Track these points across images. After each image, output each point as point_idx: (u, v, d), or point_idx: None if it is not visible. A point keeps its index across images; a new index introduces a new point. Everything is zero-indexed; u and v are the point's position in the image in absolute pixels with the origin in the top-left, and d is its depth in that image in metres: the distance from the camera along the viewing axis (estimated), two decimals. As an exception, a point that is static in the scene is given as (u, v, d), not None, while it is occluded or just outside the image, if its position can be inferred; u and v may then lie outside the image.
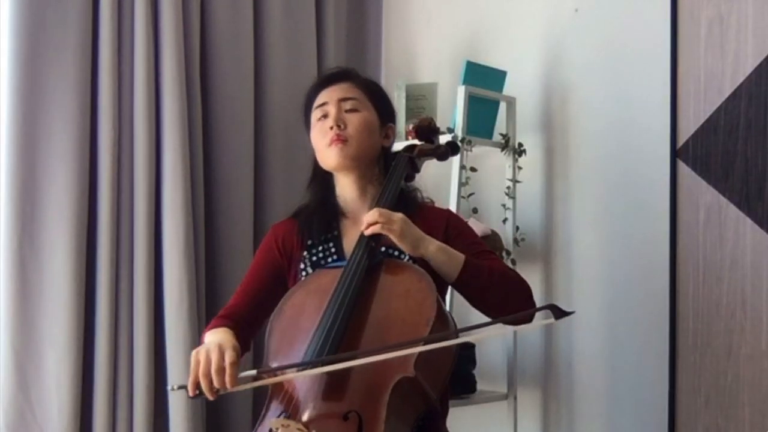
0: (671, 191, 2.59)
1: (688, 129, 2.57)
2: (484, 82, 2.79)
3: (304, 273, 1.98)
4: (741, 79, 2.46)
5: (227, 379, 1.70)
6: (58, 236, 2.51)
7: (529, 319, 1.83)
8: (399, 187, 1.99)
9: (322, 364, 1.69)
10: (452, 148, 2.19)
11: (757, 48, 2.43)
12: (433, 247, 1.85)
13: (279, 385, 1.78)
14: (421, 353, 1.68)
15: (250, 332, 1.98)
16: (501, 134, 2.85)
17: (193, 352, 1.76)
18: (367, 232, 1.84)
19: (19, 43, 2.49)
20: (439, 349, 1.74)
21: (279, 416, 1.71)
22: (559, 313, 1.62)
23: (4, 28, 2.49)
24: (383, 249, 1.92)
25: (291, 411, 1.71)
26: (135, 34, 2.65)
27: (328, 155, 1.98)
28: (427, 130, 2.15)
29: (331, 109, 2.00)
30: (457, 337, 1.80)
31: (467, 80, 2.75)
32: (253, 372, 1.74)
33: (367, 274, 1.83)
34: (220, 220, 2.88)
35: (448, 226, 1.98)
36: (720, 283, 2.49)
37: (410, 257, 1.89)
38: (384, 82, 3.38)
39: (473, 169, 2.77)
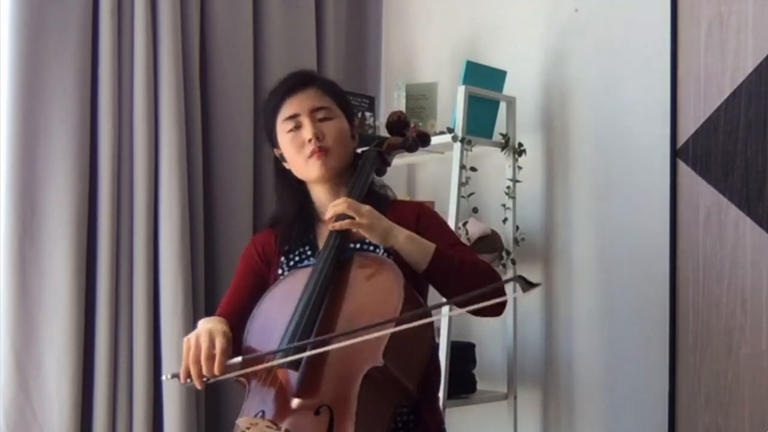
0: (671, 191, 2.58)
1: (688, 129, 2.57)
2: (484, 81, 2.79)
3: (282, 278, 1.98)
4: (741, 79, 2.46)
5: (216, 366, 1.70)
6: (58, 236, 2.52)
7: (499, 294, 1.74)
8: (368, 181, 1.98)
9: (299, 349, 1.69)
10: (422, 139, 2.16)
11: (757, 48, 2.43)
12: (402, 237, 1.83)
13: (256, 383, 1.78)
14: (390, 341, 1.66)
15: (238, 334, 1.95)
16: (501, 134, 2.85)
17: (185, 339, 1.76)
18: (336, 227, 1.83)
19: (19, 43, 2.49)
20: (410, 336, 1.69)
21: (256, 415, 1.71)
22: (526, 284, 1.59)
23: (4, 28, 2.50)
24: (353, 245, 1.91)
25: (266, 408, 1.72)
26: (135, 34, 2.66)
27: (309, 168, 1.94)
28: (397, 124, 2.14)
29: (305, 120, 1.93)
30: (429, 315, 1.77)
31: (467, 80, 2.74)
32: (239, 359, 1.73)
33: (337, 269, 1.82)
34: (219, 220, 2.88)
35: (419, 220, 1.95)
36: (720, 283, 2.49)
37: (383, 250, 1.88)
38: (384, 82, 3.39)
39: (473, 169, 2.77)
